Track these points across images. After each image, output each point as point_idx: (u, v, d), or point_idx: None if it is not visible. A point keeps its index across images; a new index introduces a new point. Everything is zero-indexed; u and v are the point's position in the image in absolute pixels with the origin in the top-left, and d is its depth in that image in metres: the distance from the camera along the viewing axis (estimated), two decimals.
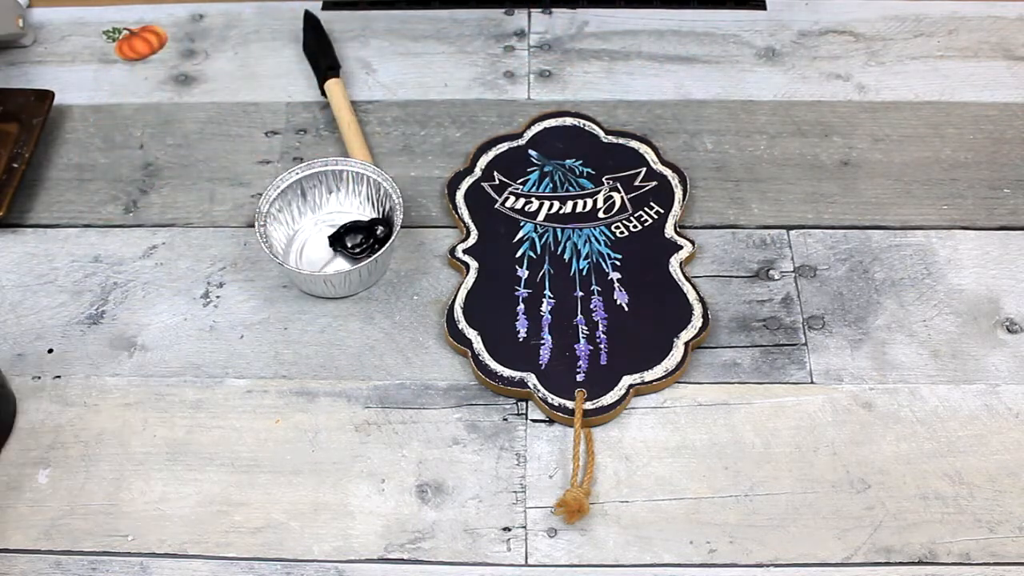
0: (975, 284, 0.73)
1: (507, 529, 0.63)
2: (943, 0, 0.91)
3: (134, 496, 0.65)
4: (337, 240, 0.74)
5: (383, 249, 0.71)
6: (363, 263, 0.71)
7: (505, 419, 0.68)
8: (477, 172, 0.79)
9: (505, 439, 0.67)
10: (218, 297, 0.74)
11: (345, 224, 0.75)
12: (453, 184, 0.78)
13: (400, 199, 0.73)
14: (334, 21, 0.90)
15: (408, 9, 0.92)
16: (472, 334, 0.70)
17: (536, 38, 0.90)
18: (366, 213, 0.77)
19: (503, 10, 0.92)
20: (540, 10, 0.92)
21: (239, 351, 0.71)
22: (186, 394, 0.69)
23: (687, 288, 0.72)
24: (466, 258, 0.74)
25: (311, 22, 0.88)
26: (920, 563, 0.61)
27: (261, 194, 0.74)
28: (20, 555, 0.63)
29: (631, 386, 0.68)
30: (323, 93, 0.84)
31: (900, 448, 0.66)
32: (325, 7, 0.92)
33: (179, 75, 0.88)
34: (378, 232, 0.73)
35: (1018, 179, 0.79)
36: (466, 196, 0.77)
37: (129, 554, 0.63)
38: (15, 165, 0.78)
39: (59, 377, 0.70)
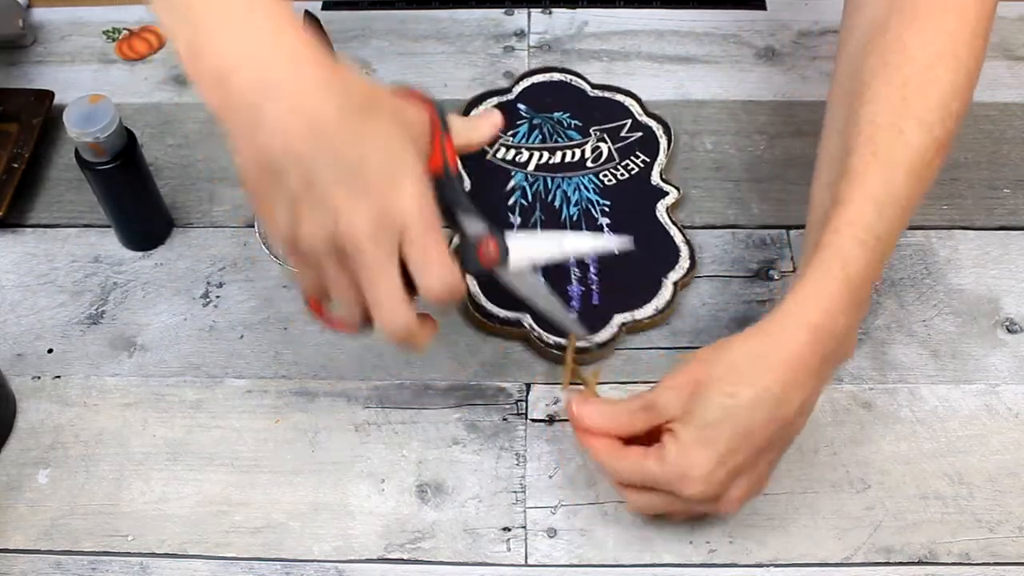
0: (975, 284, 0.73)
1: (507, 529, 0.63)
2: None
3: (134, 496, 0.65)
4: None
5: None
6: None
7: (505, 419, 0.68)
8: None
9: (505, 439, 0.67)
10: (218, 297, 0.74)
11: None
12: None
13: None
14: (334, 21, 0.90)
15: (408, 9, 0.92)
16: (468, 278, 0.70)
17: (536, 38, 0.90)
18: None
19: (503, 10, 0.92)
20: (540, 10, 0.92)
21: (239, 351, 0.71)
22: (186, 394, 0.69)
23: (674, 232, 0.74)
24: None
25: (311, 22, 0.88)
26: (920, 563, 0.61)
27: None
28: (20, 555, 0.63)
29: (623, 324, 0.69)
30: None
31: (900, 448, 0.66)
32: (325, 7, 0.92)
33: (179, 75, 0.87)
34: None
35: (1018, 179, 0.79)
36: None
37: (129, 554, 0.63)
38: (15, 165, 0.78)
39: (59, 377, 0.70)
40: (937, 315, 0.72)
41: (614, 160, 0.78)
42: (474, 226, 0.54)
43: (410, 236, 0.50)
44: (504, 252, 0.55)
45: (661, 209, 0.75)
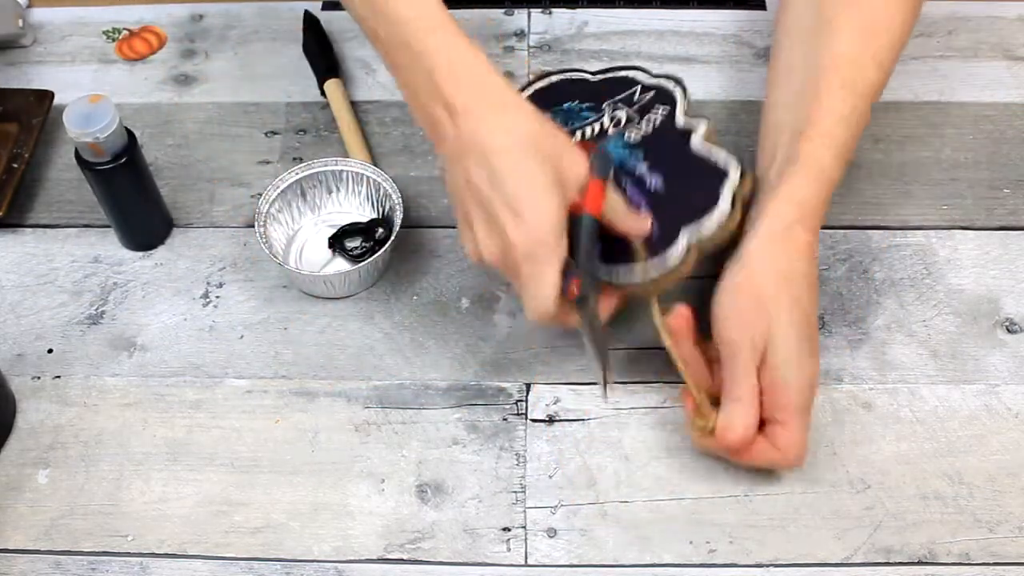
0: (975, 284, 0.73)
1: (507, 529, 0.63)
2: (943, 0, 0.91)
3: (134, 496, 0.65)
4: (336, 242, 0.74)
5: (382, 250, 0.71)
6: (363, 264, 0.71)
7: (505, 419, 0.68)
8: None
9: (505, 439, 0.67)
10: (218, 297, 0.74)
11: (344, 227, 0.75)
12: None
13: (400, 199, 0.73)
14: (334, 21, 0.90)
15: None
16: None
17: (536, 38, 0.90)
18: (366, 213, 0.77)
19: (503, 10, 0.92)
20: (540, 10, 0.92)
21: (239, 351, 0.71)
22: (186, 394, 0.69)
23: (716, 150, 0.70)
24: None
25: (311, 22, 0.88)
26: (920, 563, 0.61)
27: (261, 194, 0.74)
28: (20, 555, 0.63)
29: (690, 245, 0.65)
30: (323, 93, 0.84)
31: (900, 448, 0.66)
32: (325, 7, 0.92)
33: (179, 75, 0.87)
34: (377, 234, 0.73)
35: (1018, 179, 0.79)
36: None
37: (129, 554, 0.63)
38: (15, 165, 0.78)
39: (59, 377, 0.70)
40: (937, 315, 0.72)
41: (635, 120, 0.74)
42: (573, 265, 0.61)
43: (527, 263, 0.59)
44: (583, 295, 0.62)
45: (696, 141, 0.71)
